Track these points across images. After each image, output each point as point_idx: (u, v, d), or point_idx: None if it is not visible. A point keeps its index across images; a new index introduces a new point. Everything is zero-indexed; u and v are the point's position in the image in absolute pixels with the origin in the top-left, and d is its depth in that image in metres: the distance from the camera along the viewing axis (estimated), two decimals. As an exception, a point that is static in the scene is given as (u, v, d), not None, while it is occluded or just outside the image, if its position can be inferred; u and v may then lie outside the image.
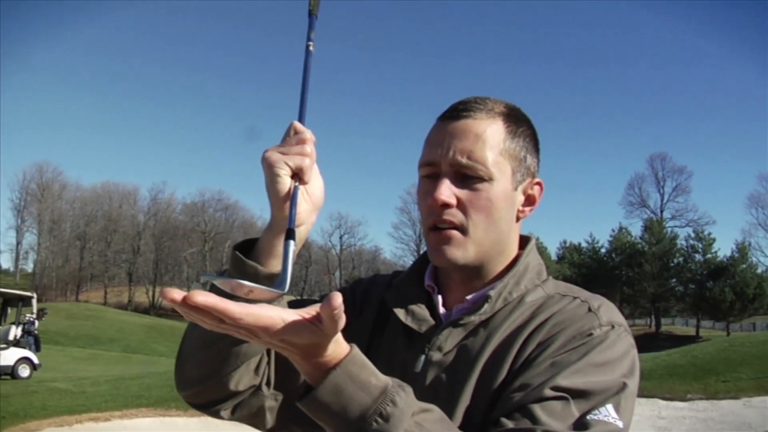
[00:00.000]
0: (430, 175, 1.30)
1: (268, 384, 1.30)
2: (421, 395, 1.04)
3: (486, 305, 1.28)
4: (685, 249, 67.90)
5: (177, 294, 0.84)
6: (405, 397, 0.99)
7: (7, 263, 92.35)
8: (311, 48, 1.24)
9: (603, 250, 71.90)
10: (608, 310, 1.26)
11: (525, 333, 1.23)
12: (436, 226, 1.28)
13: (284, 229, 1.10)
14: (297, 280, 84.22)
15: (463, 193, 1.27)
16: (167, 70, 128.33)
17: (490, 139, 1.28)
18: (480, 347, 1.25)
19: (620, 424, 1.11)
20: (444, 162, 1.27)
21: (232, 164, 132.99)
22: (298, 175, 1.15)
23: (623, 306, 63.23)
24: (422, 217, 1.32)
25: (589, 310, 1.25)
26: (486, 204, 1.27)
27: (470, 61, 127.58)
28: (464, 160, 1.26)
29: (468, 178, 1.27)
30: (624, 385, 1.15)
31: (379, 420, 0.96)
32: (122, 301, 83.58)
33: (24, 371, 21.22)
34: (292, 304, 1.27)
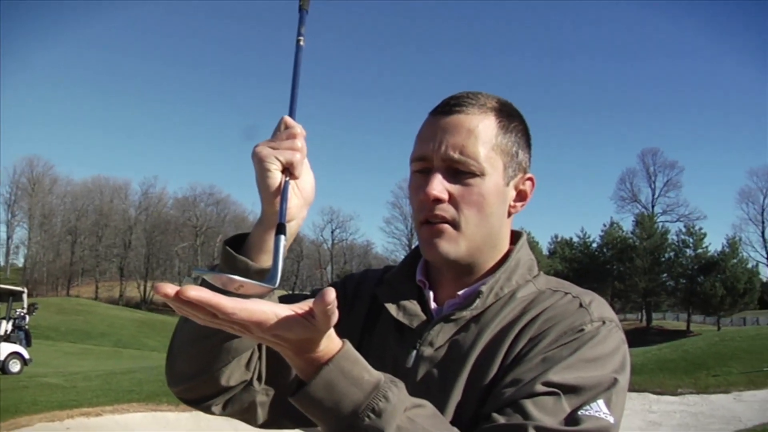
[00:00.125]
0: (422, 170, 1.30)
1: (259, 379, 1.30)
2: (412, 391, 1.04)
3: (477, 300, 1.28)
4: (676, 244, 68.20)
5: (170, 289, 0.83)
6: (397, 392, 0.99)
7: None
8: (302, 43, 1.24)
9: (594, 245, 72.14)
10: (599, 306, 1.27)
11: (516, 328, 1.23)
12: (427, 220, 1.28)
13: (275, 224, 1.10)
14: (288, 274, 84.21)
15: (454, 188, 1.27)
16: (158, 64, 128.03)
17: (482, 134, 1.27)
18: (471, 343, 1.25)
19: (611, 419, 1.11)
20: (436, 157, 1.27)
21: (224, 159, 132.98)
22: (288, 170, 1.14)
23: (614, 301, 63.49)
24: (414, 211, 1.32)
25: (581, 305, 1.26)
26: (478, 199, 1.27)
27: (462, 55, 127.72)
28: (456, 155, 1.26)
29: (460, 173, 1.27)
30: (615, 381, 1.16)
31: (372, 415, 0.96)
32: (113, 296, 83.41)
33: (15, 366, 21.13)
34: (283, 299, 1.27)
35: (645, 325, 66.87)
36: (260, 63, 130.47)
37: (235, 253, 1.18)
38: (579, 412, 1.09)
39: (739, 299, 61.78)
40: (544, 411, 1.08)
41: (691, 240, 66.69)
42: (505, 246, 1.37)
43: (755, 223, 74.26)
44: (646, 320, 68.96)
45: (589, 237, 72.65)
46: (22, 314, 23.40)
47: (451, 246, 1.28)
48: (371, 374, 0.99)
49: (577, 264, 68.47)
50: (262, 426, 1.36)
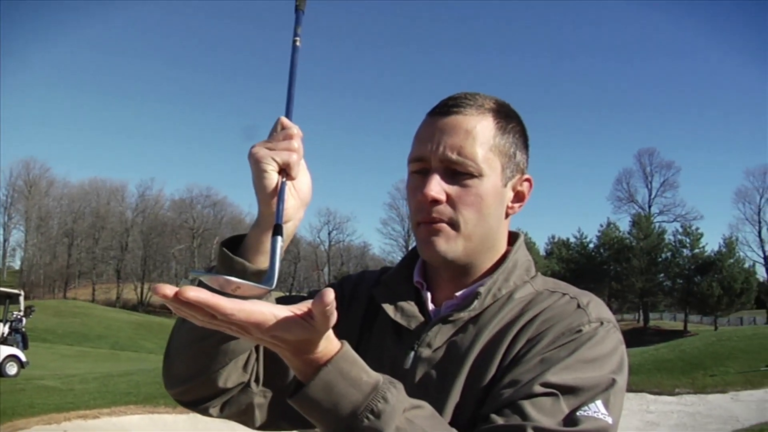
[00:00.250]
0: (420, 171, 1.30)
1: (257, 381, 1.30)
2: (410, 392, 1.04)
3: (476, 302, 1.27)
4: (673, 244, 68.28)
5: (169, 290, 0.83)
6: (396, 393, 0.99)
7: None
8: (298, 43, 1.23)
9: (591, 246, 72.22)
10: (597, 307, 1.27)
11: (514, 329, 1.23)
12: (425, 221, 1.28)
13: (272, 225, 1.09)
14: (285, 276, 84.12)
15: (452, 189, 1.27)
16: (154, 65, 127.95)
17: (480, 135, 1.27)
18: (469, 344, 1.25)
19: (609, 420, 1.11)
20: (434, 158, 1.27)
21: (221, 160, 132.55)
22: (285, 171, 1.14)
23: (611, 301, 63.57)
24: (411, 212, 1.32)
25: (578, 306, 1.26)
26: (476, 200, 1.27)
27: (459, 56, 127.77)
28: (454, 156, 1.26)
29: (458, 174, 1.27)
30: (613, 381, 1.16)
31: (371, 417, 0.96)
32: (110, 298, 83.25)
33: (11, 369, 21.09)
34: (280, 301, 1.26)
35: (642, 326, 66.92)
36: (256, 64, 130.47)
37: (232, 254, 1.17)
38: (577, 413, 1.09)
39: (736, 299, 61.87)
40: (543, 412, 1.08)
41: (687, 240, 66.79)
42: (503, 247, 1.37)
43: (752, 223, 74.33)
44: (643, 320, 69.01)
45: (586, 237, 72.84)
46: (18, 317, 23.37)
47: (450, 246, 1.28)
48: (370, 375, 0.99)
49: (574, 264, 68.54)
50: (259, 428, 1.36)
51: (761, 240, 73.49)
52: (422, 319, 1.32)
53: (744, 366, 16.17)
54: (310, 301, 0.88)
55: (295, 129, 1.15)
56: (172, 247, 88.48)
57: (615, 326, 1.25)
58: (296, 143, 1.14)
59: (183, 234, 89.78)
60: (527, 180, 1.38)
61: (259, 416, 1.33)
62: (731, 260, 63.52)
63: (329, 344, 0.96)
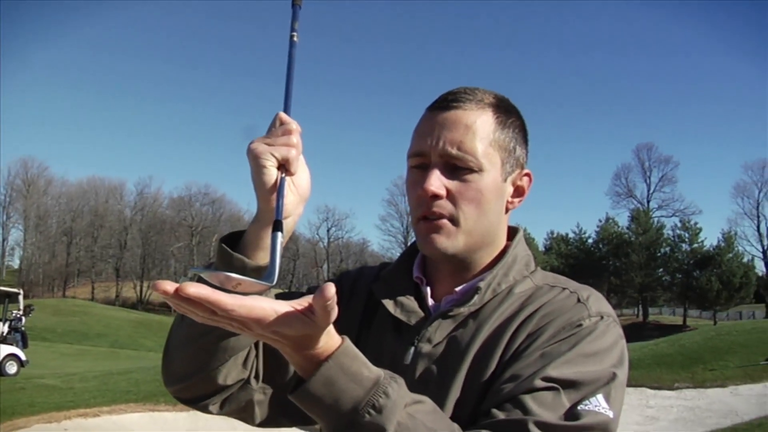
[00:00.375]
0: (419, 166, 1.29)
1: (256, 378, 1.30)
2: (411, 388, 1.04)
3: (475, 297, 1.27)
4: (672, 239, 68.32)
5: (169, 286, 0.83)
6: (397, 388, 0.99)
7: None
8: (295, 38, 1.23)
9: (590, 241, 72.27)
10: (597, 301, 1.27)
11: (514, 324, 1.23)
12: (425, 217, 1.28)
13: (271, 221, 1.08)
14: (285, 273, 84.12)
15: (452, 184, 1.26)
16: (152, 64, 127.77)
17: (480, 130, 1.27)
18: (470, 339, 1.24)
19: (610, 413, 1.11)
20: (434, 152, 1.27)
21: (219, 158, 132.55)
22: (284, 167, 1.14)
23: (610, 296, 63.48)
24: (411, 208, 1.32)
25: (578, 300, 1.25)
26: (476, 195, 1.27)
27: (457, 51, 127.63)
28: (454, 151, 1.25)
29: (458, 169, 1.27)
30: (614, 375, 1.16)
31: (372, 412, 0.96)
32: (110, 297, 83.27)
33: (11, 368, 21.09)
34: (279, 298, 1.26)
35: (641, 320, 66.99)
36: (254, 61, 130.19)
37: (231, 250, 1.17)
38: (578, 407, 1.09)
39: (735, 293, 61.94)
40: (544, 406, 1.08)
41: (686, 235, 66.83)
42: (503, 242, 1.37)
43: (750, 217, 74.52)
44: (642, 315, 69.09)
45: (584, 233, 72.84)
46: (18, 316, 23.38)
47: (450, 241, 1.27)
48: (371, 370, 0.99)
49: (573, 260, 68.56)
50: (259, 425, 1.36)
51: (760, 234, 73.80)
52: (422, 314, 1.32)
53: (743, 360, 16.18)
54: (311, 296, 0.88)
55: (293, 124, 1.14)
56: (171, 245, 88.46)
57: (615, 320, 1.25)
58: (295, 138, 1.14)
59: (182, 232, 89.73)
60: (527, 175, 1.37)
61: (259, 413, 1.33)
62: (730, 255, 63.58)
63: (330, 339, 0.96)
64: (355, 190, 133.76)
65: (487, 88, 1.36)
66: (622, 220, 73.21)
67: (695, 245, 65.89)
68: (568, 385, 1.11)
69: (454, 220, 1.27)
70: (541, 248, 70.19)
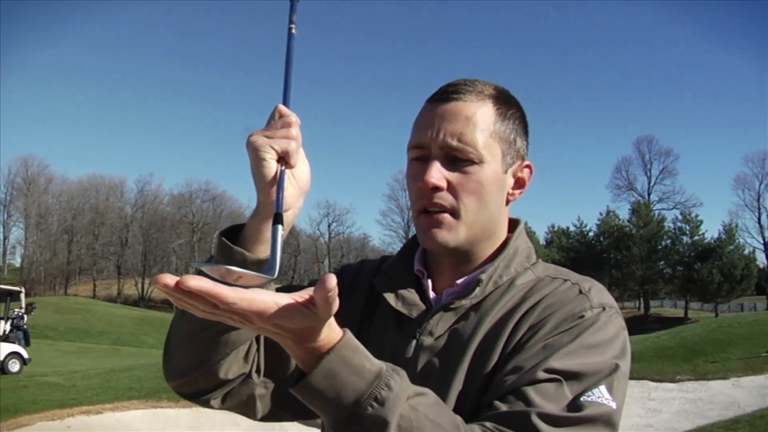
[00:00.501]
0: (420, 158, 1.29)
1: (258, 372, 1.30)
2: (412, 380, 1.03)
3: (477, 289, 1.27)
4: (673, 231, 68.32)
5: (170, 279, 0.82)
6: (400, 381, 0.98)
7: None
8: (294, 31, 1.22)
9: (591, 234, 72.25)
10: (599, 292, 1.27)
11: (516, 316, 1.23)
12: (426, 209, 1.27)
13: (271, 214, 1.08)
14: (286, 269, 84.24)
15: (453, 176, 1.26)
16: (151, 61, 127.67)
17: (480, 121, 1.27)
18: (471, 331, 1.24)
19: (614, 405, 1.11)
20: (434, 144, 1.26)
21: (219, 154, 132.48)
22: (284, 159, 1.13)
23: (612, 289, 63.40)
24: (412, 200, 1.31)
25: (580, 292, 1.25)
26: (476, 187, 1.27)
27: (457, 45, 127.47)
28: (454, 143, 1.25)
29: (458, 160, 1.26)
30: (616, 366, 1.15)
31: (374, 404, 0.95)
32: (111, 294, 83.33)
33: (14, 366, 21.13)
34: (280, 291, 1.25)
35: (643, 313, 67.06)
36: (253, 57, 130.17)
37: (232, 244, 1.16)
38: (581, 399, 1.09)
39: (736, 286, 61.95)
40: (546, 398, 1.08)
41: (687, 227, 66.82)
42: (503, 234, 1.37)
43: (751, 209, 74.48)
44: (644, 308, 69.16)
45: (585, 226, 72.82)
46: (20, 314, 23.39)
47: (451, 234, 1.27)
48: (373, 363, 0.98)
49: (574, 253, 68.51)
50: (261, 419, 1.35)
51: (761, 226, 73.74)
52: (423, 307, 1.32)
53: (745, 352, 16.18)
54: (312, 288, 0.87)
55: (293, 117, 1.13)
56: (172, 242, 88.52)
57: (617, 312, 1.25)
58: (295, 131, 1.13)
59: (183, 229, 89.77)
60: (527, 166, 1.37)
61: (261, 407, 1.32)
62: (731, 247, 63.59)
63: (331, 332, 0.95)
64: (355, 186, 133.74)
65: (488, 81, 1.36)
66: (623, 213, 73.34)
67: (696, 238, 65.88)
68: (571, 376, 1.11)
69: (455, 213, 1.26)
70: (542, 242, 70.19)
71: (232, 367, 1.24)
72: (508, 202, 1.35)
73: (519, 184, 1.36)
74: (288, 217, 1.15)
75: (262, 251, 1.16)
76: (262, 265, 1.10)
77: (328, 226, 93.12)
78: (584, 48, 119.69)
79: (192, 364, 1.23)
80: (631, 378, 1.29)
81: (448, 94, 1.29)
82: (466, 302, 1.27)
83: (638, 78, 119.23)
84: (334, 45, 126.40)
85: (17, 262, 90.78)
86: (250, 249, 1.16)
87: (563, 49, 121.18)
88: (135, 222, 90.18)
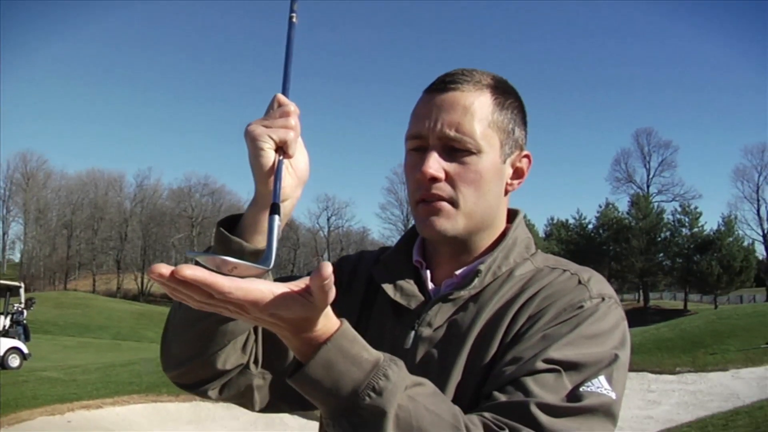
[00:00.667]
0: (418, 148, 1.28)
1: (255, 363, 1.29)
2: (411, 371, 1.02)
3: (476, 280, 1.27)
4: (672, 223, 68.35)
5: (165, 269, 0.81)
6: (398, 371, 0.98)
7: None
8: (294, 20, 1.21)
9: (590, 226, 72.26)
10: (598, 283, 1.26)
11: (515, 307, 1.22)
12: (424, 199, 1.27)
13: (269, 204, 1.07)
14: (285, 262, 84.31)
15: (451, 167, 1.25)
16: (150, 55, 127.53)
17: (478, 111, 1.26)
18: (470, 322, 1.24)
19: (613, 395, 1.11)
20: (432, 135, 1.25)
21: (218, 149, 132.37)
22: (282, 149, 1.12)
23: (611, 281, 60.94)
24: (410, 191, 1.30)
25: (579, 282, 1.25)
26: (475, 177, 1.26)
27: (456, 37, 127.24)
28: (452, 133, 1.24)
29: (456, 151, 1.25)
30: (616, 357, 1.15)
31: (372, 394, 0.94)
32: (111, 289, 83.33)
33: (14, 361, 21.15)
34: (278, 281, 1.25)
35: (642, 305, 67.11)
36: (253, 51, 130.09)
37: (230, 234, 1.16)
38: (580, 389, 1.09)
39: (735, 277, 62.03)
40: (546, 388, 1.08)
41: (686, 219, 66.88)
42: (502, 224, 1.36)
43: (750, 201, 74.47)
44: (643, 300, 69.21)
45: (584, 218, 72.80)
46: (19, 309, 23.43)
47: (449, 223, 1.26)
48: (370, 353, 0.98)
49: (574, 246, 68.49)
50: (259, 411, 1.35)
51: (760, 218, 73.76)
52: (422, 298, 1.31)
53: (744, 344, 16.24)
54: (308, 277, 0.87)
55: (292, 106, 1.13)
56: (171, 237, 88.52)
57: (616, 302, 1.25)
58: (293, 120, 1.12)
59: (182, 223, 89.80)
60: (526, 156, 1.36)
61: (259, 398, 1.32)
62: (730, 239, 63.62)
63: (328, 322, 0.95)
64: (354, 179, 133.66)
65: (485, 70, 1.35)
66: (622, 205, 73.44)
67: (695, 229, 65.95)
68: (570, 366, 1.10)
69: (453, 203, 1.26)
70: (541, 234, 70.19)
71: (229, 358, 1.23)
72: (506, 192, 1.35)
73: (517, 174, 1.36)
74: (286, 207, 1.14)
75: (260, 241, 1.15)
76: (259, 256, 1.09)
77: (328, 219, 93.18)
78: (583, 40, 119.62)
79: (189, 354, 1.22)
80: (631, 370, 1.28)
81: (445, 83, 1.28)
82: (464, 293, 1.27)
83: (637, 70, 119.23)
84: (333, 38, 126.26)
85: (16, 257, 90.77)
86: (248, 239, 1.15)
87: (562, 41, 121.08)
88: (134, 216, 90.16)
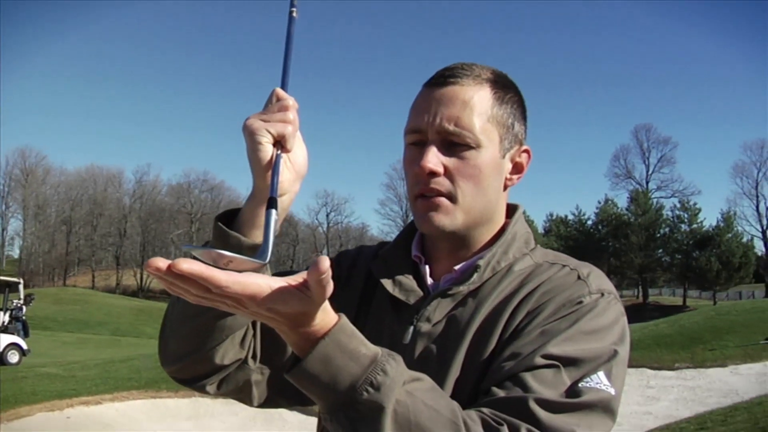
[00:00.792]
0: (417, 143, 1.28)
1: (254, 358, 1.29)
2: (410, 367, 1.02)
3: (475, 275, 1.26)
4: (671, 219, 68.44)
5: (161, 263, 0.81)
6: (396, 366, 0.97)
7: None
8: (294, 14, 1.21)
9: (589, 223, 72.33)
10: (597, 278, 1.26)
11: (514, 302, 1.22)
12: (423, 194, 1.26)
13: (267, 199, 1.07)
14: (285, 259, 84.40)
15: (450, 161, 1.25)
16: (148, 51, 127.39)
17: (477, 105, 1.25)
18: (469, 317, 1.23)
19: (612, 391, 1.11)
20: (431, 129, 1.25)
21: (217, 144, 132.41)
22: (280, 143, 1.12)
23: (610, 277, 59.50)
24: (408, 185, 1.30)
25: (579, 277, 1.24)
26: (474, 172, 1.25)
27: (456, 32, 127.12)
28: (451, 127, 1.23)
29: (455, 145, 1.25)
30: (615, 352, 1.15)
31: (370, 389, 0.94)
32: (110, 285, 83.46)
33: (13, 357, 21.18)
34: (276, 276, 1.25)
35: (642, 301, 67.17)
36: (252, 46, 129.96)
37: (227, 228, 1.15)
38: (579, 384, 1.08)
39: (734, 273, 62.12)
40: (544, 384, 1.07)
41: (686, 215, 66.95)
42: (502, 219, 1.36)
43: (749, 197, 74.56)
44: (642, 296, 69.28)
45: (584, 215, 72.88)
46: (19, 305, 23.45)
47: (448, 218, 1.26)
48: (368, 348, 0.97)
49: (573, 242, 68.55)
50: (258, 406, 1.35)
51: (759, 214, 73.88)
52: (421, 293, 1.31)
53: (743, 340, 16.23)
54: (306, 271, 0.86)
55: (290, 100, 1.12)
56: (170, 233, 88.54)
57: (616, 297, 1.24)
58: (292, 115, 1.12)
59: (181, 219, 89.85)
60: (526, 151, 1.35)
61: (257, 394, 1.32)
62: (729, 235, 63.68)
63: (326, 317, 0.94)
64: (353, 175, 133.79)
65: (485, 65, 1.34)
66: (622, 201, 73.45)
67: (695, 226, 65.99)
68: (569, 362, 1.10)
69: (452, 197, 1.25)
70: (540, 230, 70.26)
71: (227, 353, 1.23)
72: (505, 187, 1.34)
73: (517, 169, 1.35)
74: (284, 201, 1.14)
75: (258, 236, 1.14)
76: (257, 250, 1.09)
77: (327, 215, 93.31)
78: (582, 36, 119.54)
79: (188, 349, 1.22)
80: (630, 366, 1.28)
81: (444, 78, 1.28)
82: (463, 288, 1.26)
83: (637, 66, 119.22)
84: (333, 33, 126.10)
85: (16, 253, 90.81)
86: (245, 233, 1.15)
87: (561, 37, 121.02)
88: (133, 213, 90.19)
